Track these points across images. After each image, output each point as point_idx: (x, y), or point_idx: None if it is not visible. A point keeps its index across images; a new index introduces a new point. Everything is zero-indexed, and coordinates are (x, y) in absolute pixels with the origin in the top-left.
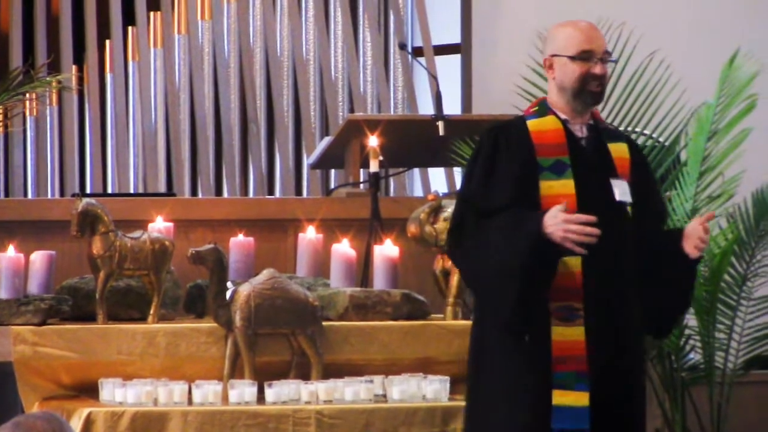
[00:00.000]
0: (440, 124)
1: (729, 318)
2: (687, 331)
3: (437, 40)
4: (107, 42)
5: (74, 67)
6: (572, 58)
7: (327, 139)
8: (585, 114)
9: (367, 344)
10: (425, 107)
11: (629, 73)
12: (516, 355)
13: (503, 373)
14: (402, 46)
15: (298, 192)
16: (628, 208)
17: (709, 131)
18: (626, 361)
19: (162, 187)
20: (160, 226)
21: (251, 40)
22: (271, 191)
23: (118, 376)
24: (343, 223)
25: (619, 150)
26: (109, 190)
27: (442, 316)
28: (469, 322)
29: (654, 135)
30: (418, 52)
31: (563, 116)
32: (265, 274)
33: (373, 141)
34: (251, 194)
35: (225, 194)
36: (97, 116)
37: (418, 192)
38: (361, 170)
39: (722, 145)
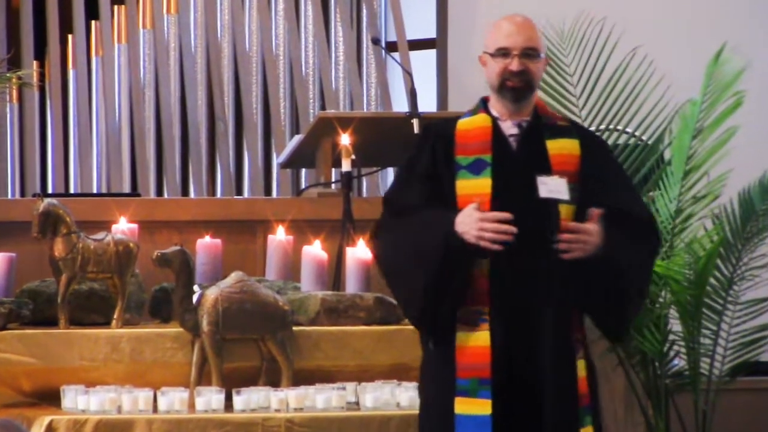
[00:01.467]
0: (415, 121)
1: (714, 323)
2: (671, 337)
3: (412, 34)
4: (70, 37)
5: (35, 63)
6: (492, 55)
7: (297, 138)
8: (521, 111)
9: (339, 350)
10: (399, 104)
11: (611, 70)
12: (426, 361)
13: (421, 378)
14: (375, 41)
15: (268, 192)
16: (565, 206)
17: (695, 129)
18: (533, 369)
19: (126, 187)
20: (124, 227)
21: (219, 35)
22: (239, 191)
23: (80, 383)
24: (314, 224)
25: (562, 146)
26: (72, 190)
27: None
28: None
29: (637, 133)
30: (392, 47)
31: (495, 114)
32: (234, 277)
33: (345, 139)
34: (219, 194)
35: (191, 194)
36: (59, 113)
37: None
38: (333, 169)
39: (708, 143)
